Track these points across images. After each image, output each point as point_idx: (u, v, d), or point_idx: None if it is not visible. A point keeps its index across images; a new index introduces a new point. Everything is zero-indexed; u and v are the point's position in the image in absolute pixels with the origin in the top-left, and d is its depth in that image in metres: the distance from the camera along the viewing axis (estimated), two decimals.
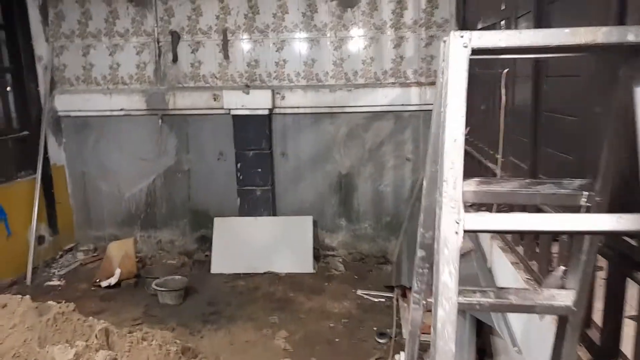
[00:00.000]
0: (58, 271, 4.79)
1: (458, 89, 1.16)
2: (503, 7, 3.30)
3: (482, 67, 3.69)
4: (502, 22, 3.50)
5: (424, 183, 1.54)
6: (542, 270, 2.50)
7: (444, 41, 1.23)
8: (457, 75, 1.17)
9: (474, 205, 3.21)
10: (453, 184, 1.16)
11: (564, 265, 2.09)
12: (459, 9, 4.37)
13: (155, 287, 4.05)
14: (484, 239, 3.40)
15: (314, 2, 4.77)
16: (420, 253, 1.60)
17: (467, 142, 3.97)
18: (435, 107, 1.42)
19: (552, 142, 2.52)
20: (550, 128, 2.58)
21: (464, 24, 4.29)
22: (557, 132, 2.50)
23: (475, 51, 1.17)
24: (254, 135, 4.93)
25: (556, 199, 1.46)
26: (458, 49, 1.17)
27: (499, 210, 2.96)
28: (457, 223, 1.15)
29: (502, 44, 1.16)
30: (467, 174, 1.24)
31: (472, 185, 1.51)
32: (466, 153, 1.31)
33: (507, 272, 2.90)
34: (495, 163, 3.38)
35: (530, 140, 2.76)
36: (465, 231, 1.16)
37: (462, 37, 1.16)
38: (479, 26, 3.96)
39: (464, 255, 3.35)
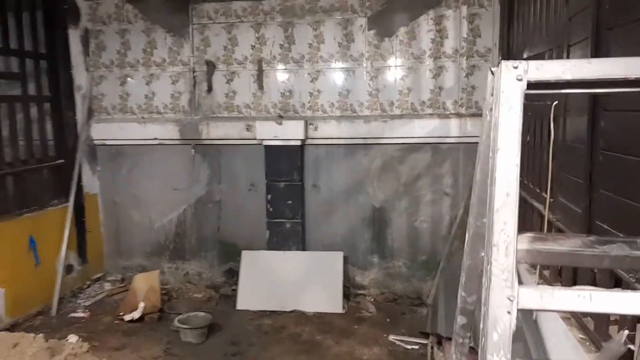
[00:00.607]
0: (84, 302, 4.72)
1: (511, 131, 0.95)
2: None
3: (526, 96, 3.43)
4: (547, 52, 3.25)
5: (467, 238, 1.30)
6: (599, 330, 2.17)
7: (492, 72, 1.02)
8: (510, 114, 0.95)
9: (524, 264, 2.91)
10: (505, 250, 0.93)
11: (628, 329, 1.78)
12: (502, 37, 4.14)
13: (178, 325, 3.88)
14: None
15: (351, 32, 4.66)
16: (461, 320, 1.36)
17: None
18: (482, 150, 1.20)
19: (612, 185, 2.23)
20: (610, 168, 2.29)
21: (509, 54, 4.05)
22: (618, 173, 2.21)
23: (530, 85, 0.96)
24: (285, 166, 4.79)
25: (630, 262, 1.20)
26: (511, 82, 0.96)
27: (558, 272, 2.64)
28: (511, 300, 0.92)
29: (567, 76, 0.94)
30: None
31: (525, 242, 1.26)
32: None
33: (557, 328, 2.56)
34: (543, 203, 3.08)
35: (584, 181, 2.47)
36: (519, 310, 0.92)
37: (515, 67, 0.96)
38: (525, 55, 3.71)
39: None
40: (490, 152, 1.01)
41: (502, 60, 1.00)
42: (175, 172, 5.12)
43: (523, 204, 3.54)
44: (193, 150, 5.04)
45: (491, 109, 1.07)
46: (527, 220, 3.32)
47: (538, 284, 2.92)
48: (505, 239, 0.95)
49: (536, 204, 3.19)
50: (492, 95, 1.05)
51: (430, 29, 4.55)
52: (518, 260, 1.32)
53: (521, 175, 3.38)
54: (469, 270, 1.33)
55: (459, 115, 4.58)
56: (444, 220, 4.77)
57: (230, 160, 5.02)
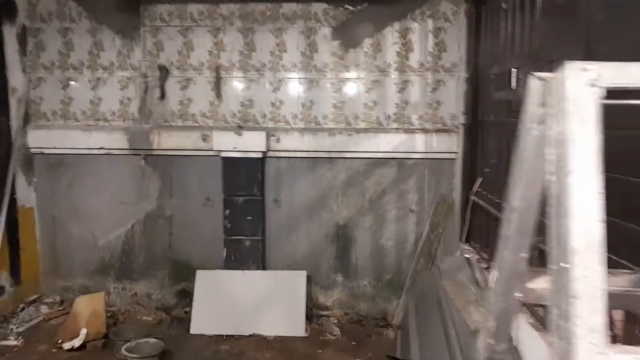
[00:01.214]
0: (17, 327, 4.21)
1: (588, 149, 0.76)
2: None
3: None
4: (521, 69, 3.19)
5: (497, 275, 1.11)
6: None
7: (539, 77, 0.83)
8: (584, 128, 0.77)
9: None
10: (591, 305, 0.74)
11: None
12: (469, 52, 4.08)
13: (126, 354, 3.50)
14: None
15: (315, 41, 4.47)
16: None
17: (486, 199, 3.59)
18: (523, 170, 1.01)
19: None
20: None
21: (475, 70, 3.99)
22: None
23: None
24: (245, 179, 4.51)
25: None
26: (581, 88, 0.77)
27: None
28: None
29: None
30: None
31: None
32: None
33: None
34: None
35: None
36: None
37: (585, 70, 0.77)
38: (493, 72, 3.65)
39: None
40: (553, 174, 0.82)
41: (566, 62, 0.81)
42: (122, 184, 4.71)
43: (490, 219, 3.45)
44: (143, 161, 4.66)
45: (540, 122, 0.88)
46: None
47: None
48: (590, 290, 0.75)
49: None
50: (542, 105, 0.87)
51: (395, 42, 4.44)
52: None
53: (491, 194, 3.23)
54: (500, 314, 1.14)
55: (424, 130, 4.47)
56: (410, 238, 4.64)
57: (183, 172, 4.68)
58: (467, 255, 3.78)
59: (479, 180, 3.93)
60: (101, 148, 4.63)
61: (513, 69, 3.38)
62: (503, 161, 3.38)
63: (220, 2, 4.46)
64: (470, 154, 4.08)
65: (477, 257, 3.77)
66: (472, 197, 4.00)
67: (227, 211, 4.55)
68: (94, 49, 4.61)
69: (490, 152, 3.72)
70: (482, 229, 3.87)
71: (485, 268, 3.53)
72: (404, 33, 4.41)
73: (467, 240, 4.10)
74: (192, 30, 4.54)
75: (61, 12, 4.57)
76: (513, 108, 3.91)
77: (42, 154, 4.71)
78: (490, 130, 3.68)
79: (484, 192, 3.81)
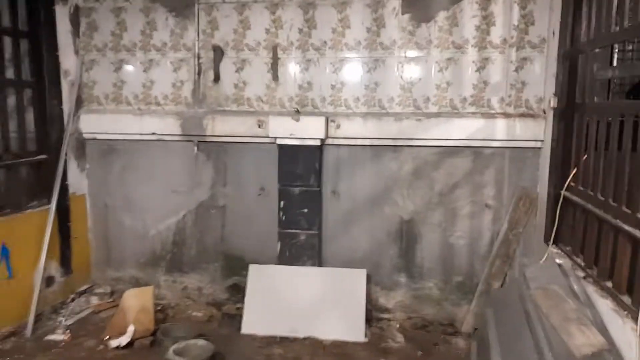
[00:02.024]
0: (66, 320, 4.08)
1: None
2: None
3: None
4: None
5: None
6: None
7: None
8: None
9: None
10: None
11: None
12: (565, 24, 3.48)
13: (173, 357, 3.23)
14: (623, 332, 2.41)
15: (382, 16, 4.02)
16: None
17: (585, 196, 3.01)
18: None
19: None
20: None
21: (573, 45, 3.40)
22: None
23: None
24: (302, 169, 4.15)
25: None
26: None
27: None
28: None
29: None
30: None
31: None
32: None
33: None
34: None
35: None
36: None
37: None
38: (598, 47, 3.06)
39: (593, 356, 2.38)
40: None
41: None
42: (174, 172, 4.48)
43: (605, 228, 2.90)
44: (196, 147, 4.40)
45: None
46: (618, 254, 2.67)
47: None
48: None
49: (627, 227, 2.54)
50: None
51: (474, 15, 3.91)
52: None
53: (592, 189, 2.67)
54: None
55: (506, 115, 3.93)
56: (484, 236, 4.13)
57: (237, 160, 4.38)
58: (558, 261, 3.23)
59: (573, 172, 3.36)
60: (153, 134, 4.41)
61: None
62: (610, 151, 2.81)
63: None
64: (563, 142, 3.50)
65: (570, 263, 3.22)
66: (564, 192, 3.43)
67: (282, 202, 4.21)
68: (147, 28, 4.38)
69: (590, 141, 3.14)
70: (576, 230, 3.30)
71: (584, 277, 2.98)
72: (484, 4, 3.87)
73: (555, 243, 3.54)
74: (249, 7, 4.20)
75: None
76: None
77: (95, 139, 4.56)
78: (593, 114, 3.10)
79: (581, 187, 3.24)
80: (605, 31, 2.91)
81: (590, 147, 3.13)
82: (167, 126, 4.37)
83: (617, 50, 3.57)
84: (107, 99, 4.52)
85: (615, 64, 3.53)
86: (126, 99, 4.50)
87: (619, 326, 2.43)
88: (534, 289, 2.96)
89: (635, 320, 2.35)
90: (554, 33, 3.69)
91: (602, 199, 2.91)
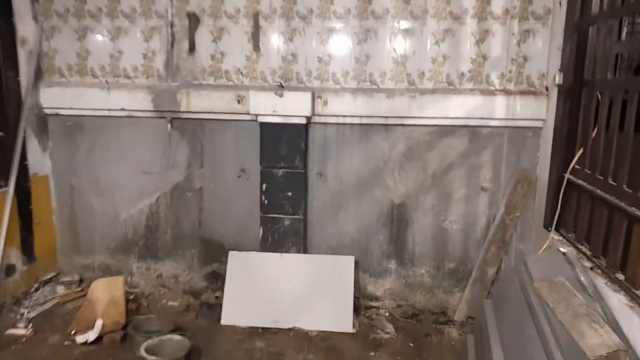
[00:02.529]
0: (28, 312, 3.74)
1: None
2: None
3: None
4: None
5: None
6: None
7: None
8: None
9: None
10: None
11: None
12: None
13: (145, 356, 2.94)
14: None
15: None
16: None
17: (593, 180, 2.76)
18: None
19: None
20: None
21: (582, 16, 3.11)
22: None
23: None
24: (286, 149, 3.83)
25: None
26: None
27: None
28: None
29: None
30: None
31: None
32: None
33: None
34: None
35: None
36: None
37: None
38: (613, 18, 2.79)
39: (607, 357, 2.16)
40: None
41: None
42: (146, 151, 4.12)
43: (616, 215, 2.67)
44: (169, 125, 4.04)
45: None
46: (632, 244, 2.44)
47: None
48: None
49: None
50: None
51: None
52: None
53: (600, 173, 2.39)
54: None
55: (506, 92, 3.65)
56: (480, 221, 3.90)
57: (215, 139, 4.04)
58: (562, 250, 3.01)
59: (579, 153, 3.12)
60: (122, 109, 4.02)
61: None
62: (626, 132, 2.57)
63: None
64: (569, 121, 3.25)
65: (575, 252, 3.00)
66: (568, 176, 3.20)
67: (265, 185, 3.90)
68: None
69: (600, 120, 2.89)
70: (581, 217, 3.08)
71: (591, 268, 2.76)
72: None
73: (557, 229, 3.33)
74: None
75: None
76: None
77: (57, 115, 4.15)
78: (606, 91, 2.84)
79: (588, 170, 3.01)
80: (627, 1, 2.62)
81: (600, 127, 2.89)
82: (137, 101, 3.99)
83: (626, 23, 3.31)
84: (70, 70, 4.10)
85: (623, 38, 3.27)
86: (92, 71, 4.08)
87: (636, 324, 2.21)
88: (537, 280, 2.74)
89: None
90: (560, 3, 3.39)
91: (614, 183, 2.68)
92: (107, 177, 4.20)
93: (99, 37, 4.03)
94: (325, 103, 3.78)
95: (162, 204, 4.18)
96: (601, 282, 2.59)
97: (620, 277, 2.54)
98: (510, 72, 3.65)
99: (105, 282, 3.59)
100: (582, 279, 2.70)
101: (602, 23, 2.91)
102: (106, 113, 4.07)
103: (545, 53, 3.58)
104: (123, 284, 3.60)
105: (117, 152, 4.15)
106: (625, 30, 3.32)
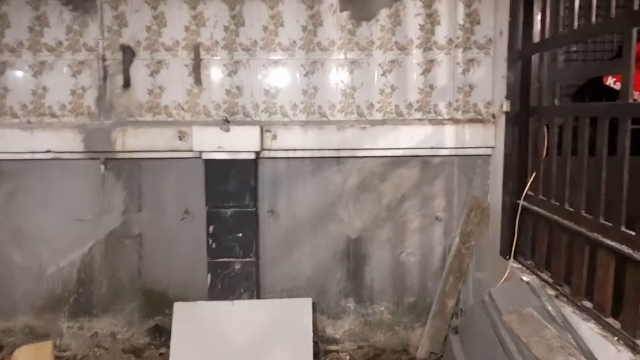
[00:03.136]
0: None
1: None
2: None
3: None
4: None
5: None
6: None
7: None
8: None
9: None
10: None
11: None
12: (515, 22, 3.27)
13: None
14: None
15: (319, 13, 3.60)
16: None
17: (549, 206, 2.75)
18: None
19: None
20: None
21: (524, 44, 3.18)
22: None
23: None
24: (234, 186, 3.59)
25: None
26: None
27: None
28: None
29: None
30: None
31: None
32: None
33: None
34: (629, 243, 2.19)
35: None
36: None
37: None
38: (557, 49, 2.86)
39: None
40: None
41: None
42: (77, 196, 3.73)
43: (577, 241, 2.66)
44: (103, 166, 3.69)
45: None
46: (598, 271, 2.41)
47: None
48: None
49: (609, 242, 2.29)
50: None
51: (418, 12, 3.61)
52: None
53: (556, 198, 2.35)
54: None
55: (454, 120, 3.66)
56: (436, 251, 3.82)
57: (155, 179, 3.73)
58: (525, 278, 2.97)
59: (532, 179, 3.13)
60: (48, 151, 3.63)
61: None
62: (580, 156, 2.58)
63: None
64: (518, 148, 3.27)
65: (537, 279, 2.96)
66: (522, 202, 3.20)
67: (212, 227, 3.62)
68: (35, 24, 3.62)
69: (551, 146, 2.92)
70: (538, 244, 3.07)
71: (556, 296, 2.72)
72: (428, 2, 3.59)
73: (515, 257, 3.30)
74: (164, 0, 3.60)
75: None
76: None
77: None
78: (554, 117, 2.88)
79: (542, 197, 3.01)
80: (568, 29, 2.69)
81: (552, 153, 2.91)
82: (65, 142, 3.62)
83: (563, 51, 3.42)
84: None
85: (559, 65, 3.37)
86: (11, 110, 3.68)
87: (612, 354, 2.15)
88: (506, 314, 2.65)
89: (631, 347, 2.08)
90: (501, 32, 3.47)
91: (571, 209, 2.67)
92: (31, 227, 3.74)
93: (19, 73, 3.65)
94: (275, 137, 3.60)
95: (96, 254, 3.77)
96: (569, 311, 2.55)
97: (588, 304, 2.51)
98: (457, 101, 3.67)
99: (31, 349, 3.12)
100: (549, 308, 2.65)
101: (544, 51, 2.97)
102: (29, 156, 3.66)
103: (490, 81, 3.64)
104: (52, 350, 3.15)
105: (43, 198, 3.73)
106: (561, 57, 3.44)
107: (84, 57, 3.66)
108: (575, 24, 2.64)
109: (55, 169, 3.71)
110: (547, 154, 2.95)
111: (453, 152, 3.68)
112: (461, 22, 3.60)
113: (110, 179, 3.72)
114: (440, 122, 3.64)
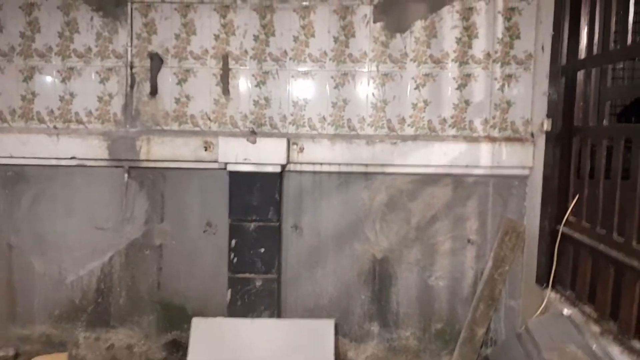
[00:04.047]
0: None
1: None
2: None
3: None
4: None
5: None
6: None
7: None
8: None
9: None
10: None
11: None
12: (558, 37, 3.09)
13: None
14: None
15: (351, 23, 3.49)
16: None
17: (593, 234, 2.54)
18: None
19: None
20: None
21: (568, 59, 3.00)
22: None
23: None
24: (258, 200, 3.48)
25: None
26: None
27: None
28: None
29: None
30: None
31: None
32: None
33: None
34: None
35: None
36: None
37: None
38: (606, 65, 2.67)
39: None
40: None
41: None
42: (100, 204, 3.67)
43: (627, 275, 2.44)
44: (126, 175, 3.63)
45: None
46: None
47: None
48: None
49: None
50: None
51: (455, 25, 3.46)
52: None
53: (602, 226, 2.10)
54: None
55: (490, 138, 3.48)
56: (467, 276, 3.62)
57: (178, 190, 3.65)
58: (566, 312, 2.75)
59: (573, 203, 2.93)
60: (72, 158, 3.59)
61: None
62: (632, 182, 2.38)
63: None
64: (559, 169, 3.07)
65: (579, 313, 2.74)
66: (562, 228, 2.99)
67: (234, 241, 3.51)
68: (65, 30, 3.60)
69: (598, 169, 2.72)
70: (580, 273, 2.85)
71: (601, 333, 2.50)
72: (466, 14, 3.44)
73: (552, 286, 3.08)
74: (194, 8, 3.55)
75: None
76: None
77: None
78: (603, 139, 2.68)
79: (586, 223, 2.81)
80: (620, 45, 2.50)
81: (599, 176, 2.71)
82: (91, 149, 3.57)
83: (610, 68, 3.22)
84: (13, 114, 3.66)
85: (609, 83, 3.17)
86: (38, 115, 3.66)
87: None
88: (546, 350, 2.45)
89: None
90: (543, 48, 3.29)
91: (621, 240, 2.46)
92: (53, 235, 3.70)
93: (48, 78, 3.63)
94: (302, 150, 3.49)
95: (116, 264, 3.70)
96: (616, 351, 2.33)
97: (638, 345, 2.29)
98: (493, 117, 3.50)
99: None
100: (593, 347, 2.43)
101: (592, 67, 2.79)
102: (54, 162, 3.62)
103: (529, 98, 3.46)
104: None
105: (66, 205, 3.68)
106: (610, 75, 3.24)
107: (112, 64, 3.62)
108: (629, 40, 2.46)
109: (79, 176, 3.67)
110: (592, 178, 2.75)
111: (488, 171, 3.49)
112: (500, 35, 3.43)
113: (133, 188, 3.66)
114: (476, 140, 3.47)
